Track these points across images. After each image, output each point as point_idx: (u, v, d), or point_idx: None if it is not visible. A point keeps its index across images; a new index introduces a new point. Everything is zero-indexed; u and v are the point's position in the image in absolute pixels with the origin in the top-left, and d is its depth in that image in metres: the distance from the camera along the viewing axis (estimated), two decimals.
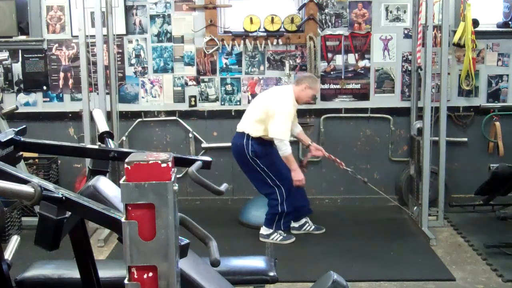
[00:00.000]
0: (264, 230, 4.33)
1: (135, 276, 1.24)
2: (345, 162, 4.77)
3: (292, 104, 4.23)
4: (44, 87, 5.18)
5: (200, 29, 5.04)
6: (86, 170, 3.12)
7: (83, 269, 1.81)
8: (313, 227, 4.53)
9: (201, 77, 5.13)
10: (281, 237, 4.30)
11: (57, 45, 5.11)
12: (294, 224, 4.49)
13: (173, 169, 1.26)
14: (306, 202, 4.53)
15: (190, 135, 5.16)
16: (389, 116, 5.13)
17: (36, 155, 4.94)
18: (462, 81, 5.02)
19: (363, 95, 5.14)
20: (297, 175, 4.19)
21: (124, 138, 5.08)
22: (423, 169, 4.44)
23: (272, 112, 4.15)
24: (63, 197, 1.35)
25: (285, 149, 4.13)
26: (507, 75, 5.11)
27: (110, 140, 2.10)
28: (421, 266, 3.88)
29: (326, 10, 5.03)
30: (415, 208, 4.71)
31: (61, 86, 5.17)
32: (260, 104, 4.29)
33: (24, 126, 1.98)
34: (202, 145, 5.18)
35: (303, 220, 4.51)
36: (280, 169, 4.26)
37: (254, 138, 4.22)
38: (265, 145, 4.26)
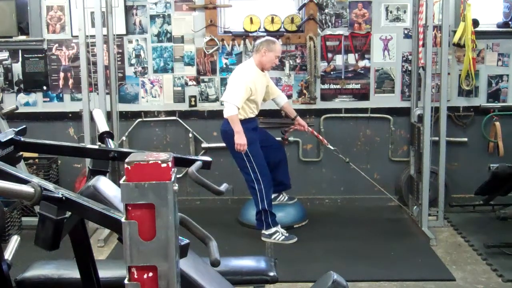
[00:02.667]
0: (265, 230, 4.33)
1: (135, 276, 1.24)
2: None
3: (251, 74, 4.27)
4: (44, 87, 5.18)
5: (200, 29, 5.04)
6: (86, 170, 3.12)
7: (83, 269, 1.81)
8: (286, 197, 4.73)
9: (201, 77, 5.13)
10: (283, 236, 4.30)
11: (57, 45, 5.11)
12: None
13: (173, 169, 1.26)
14: (287, 180, 4.66)
15: (190, 135, 5.16)
16: (389, 116, 5.13)
17: (36, 155, 4.94)
18: (462, 81, 5.02)
19: (363, 95, 5.14)
20: (239, 139, 4.15)
21: (124, 138, 5.08)
22: (423, 169, 4.44)
23: (230, 83, 4.33)
24: (63, 197, 1.35)
25: (230, 110, 4.16)
26: (507, 75, 5.11)
27: (110, 140, 2.10)
28: (421, 266, 3.88)
29: (326, 10, 5.02)
30: (415, 208, 4.71)
31: (61, 86, 5.17)
32: (228, 84, 4.43)
33: (24, 126, 1.98)
34: (202, 145, 5.18)
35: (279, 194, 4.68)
36: (262, 163, 4.28)
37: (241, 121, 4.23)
38: (250, 131, 4.27)
